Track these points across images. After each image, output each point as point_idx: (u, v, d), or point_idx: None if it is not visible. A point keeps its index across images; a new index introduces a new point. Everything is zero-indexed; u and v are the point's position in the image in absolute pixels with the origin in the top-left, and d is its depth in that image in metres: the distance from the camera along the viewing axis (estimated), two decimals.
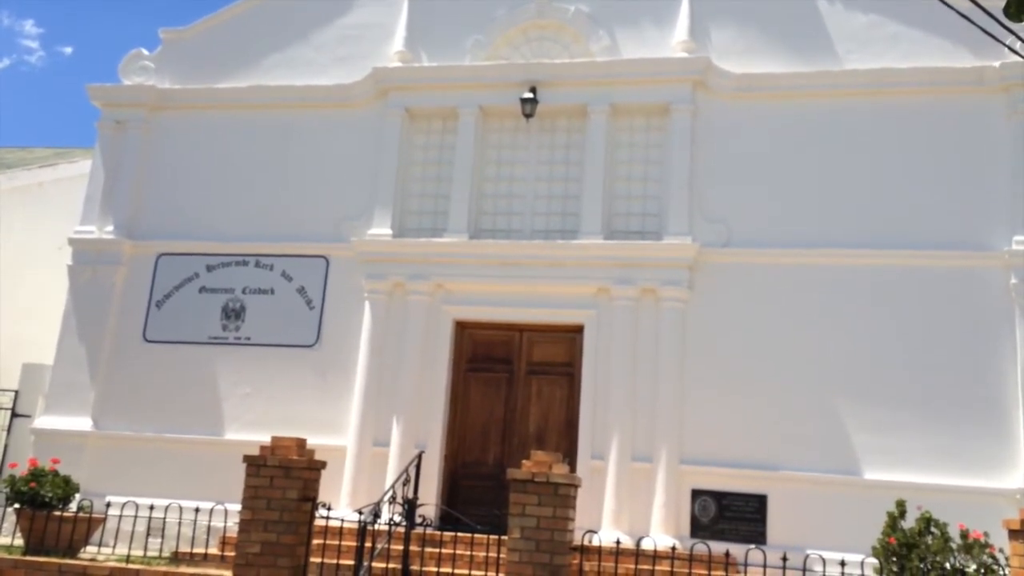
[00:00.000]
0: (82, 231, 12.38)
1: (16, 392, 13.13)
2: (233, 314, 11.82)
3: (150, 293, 12.10)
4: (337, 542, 9.05)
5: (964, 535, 8.01)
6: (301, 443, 7.94)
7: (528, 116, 11.47)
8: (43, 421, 11.84)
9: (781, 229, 10.65)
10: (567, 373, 10.98)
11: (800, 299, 10.41)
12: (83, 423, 11.64)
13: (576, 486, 7.57)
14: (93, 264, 12.17)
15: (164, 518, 9.75)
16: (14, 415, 12.99)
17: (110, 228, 12.30)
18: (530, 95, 11.40)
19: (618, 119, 11.46)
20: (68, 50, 36.89)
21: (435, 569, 8.53)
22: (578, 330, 10.95)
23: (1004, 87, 10.37)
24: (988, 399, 9.76)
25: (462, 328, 11.32)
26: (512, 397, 11.07)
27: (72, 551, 9.34)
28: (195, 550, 9.64)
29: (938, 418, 9.82)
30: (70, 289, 12.19)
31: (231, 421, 11.43)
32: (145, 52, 13.02)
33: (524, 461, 7.63)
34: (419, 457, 10.05)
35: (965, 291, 10.06)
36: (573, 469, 9.92)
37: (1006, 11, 3.52)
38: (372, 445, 10.89)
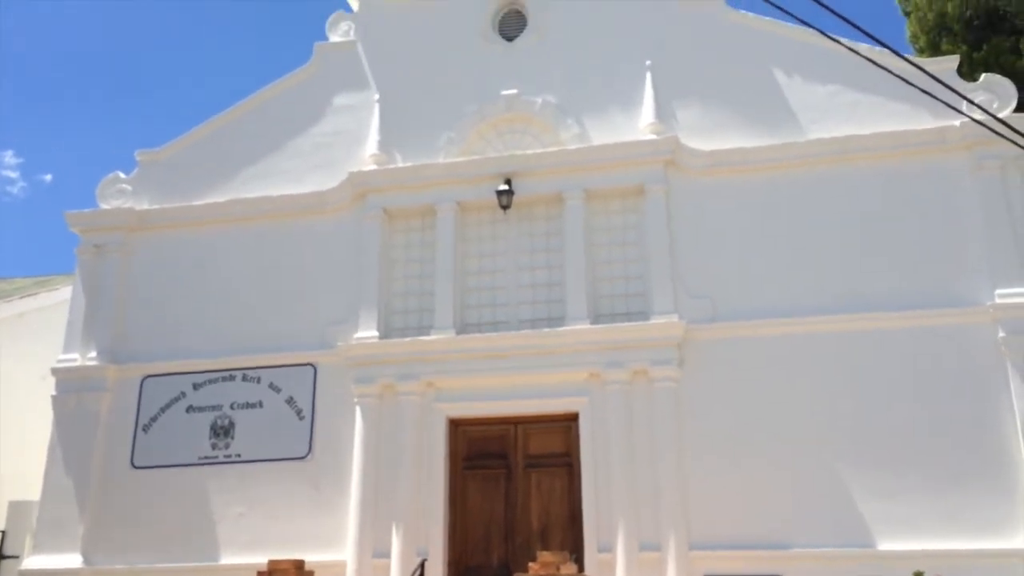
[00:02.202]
0: (65, 359, 12.25)
1: (3, 532, 12.73)
2: (222, 431, 11.62)
3: (136, 417, 11.89)
4: None
5: None
6: (299, 564, 7.74)
7: (505, 208, 11.59)
8: (32, 561, 11.46)
9: (766, 300, 10.66)
10: (566, 463, 10.78)
11: (791, 369, 10.35)
12: (73, 560, 11.26)
13: None
14: (77, 392, 11.99)
15: None
16: (2, 557, 12.56)
17: (93, 354, 12.18)
18: (505, 187, 11.55)
19: (593, 203, 11.57)
20: (48, 177, 37.28)
21: None
22: (573, 418, 10.81)
23: (966, 145, 10.59)
24: (991, 455, 9.63)
25: (455, 425, 11.16)
26: (512, 493, 10.83)
27: None
28: None
29: (944, 479, 9.65)
30: (55, 420, 11.97)
31: (226, 544, 11.08)
32: (122, 175, 13.13)
33: (531, 564, 7.44)
34: (422, 566, 9.78)
35: (954, 348, 10.03)
36: (581, 565, 9.67)
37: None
38: (372, 557, 10.55)
